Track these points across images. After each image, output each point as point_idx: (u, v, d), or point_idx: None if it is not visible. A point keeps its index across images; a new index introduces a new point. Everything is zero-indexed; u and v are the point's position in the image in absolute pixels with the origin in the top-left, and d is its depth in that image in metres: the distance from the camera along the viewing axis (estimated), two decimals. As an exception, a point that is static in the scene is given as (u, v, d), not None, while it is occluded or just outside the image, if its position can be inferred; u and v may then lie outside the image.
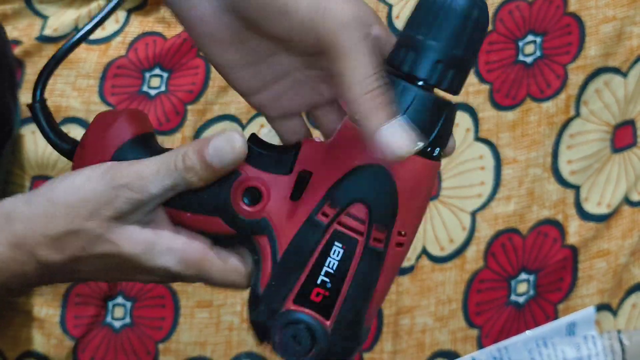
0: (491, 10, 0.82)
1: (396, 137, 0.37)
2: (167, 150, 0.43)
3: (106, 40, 0.83)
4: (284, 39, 0.41)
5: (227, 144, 0.41)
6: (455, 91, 0.41)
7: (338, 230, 0.40)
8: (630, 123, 0.77)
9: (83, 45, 0.85)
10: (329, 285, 0.41)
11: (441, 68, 0.39)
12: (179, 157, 0.41)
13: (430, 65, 0.39)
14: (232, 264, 0.43)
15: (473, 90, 0.80)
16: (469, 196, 0.78)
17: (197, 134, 0.79)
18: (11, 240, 0.42)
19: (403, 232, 0.41)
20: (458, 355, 0.75)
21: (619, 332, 0.68)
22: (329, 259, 0.41)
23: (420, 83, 0.40)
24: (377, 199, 0.40)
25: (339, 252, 0.40)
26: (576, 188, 0.77)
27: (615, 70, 0.78)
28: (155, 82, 0.82)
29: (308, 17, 0.39)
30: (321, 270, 0.41)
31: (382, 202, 0.40)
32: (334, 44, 0.38)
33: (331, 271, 0.40)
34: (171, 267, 0.42)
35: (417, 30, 0.40)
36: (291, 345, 0.41)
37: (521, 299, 0.75)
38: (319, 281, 0.41)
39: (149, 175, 0.41)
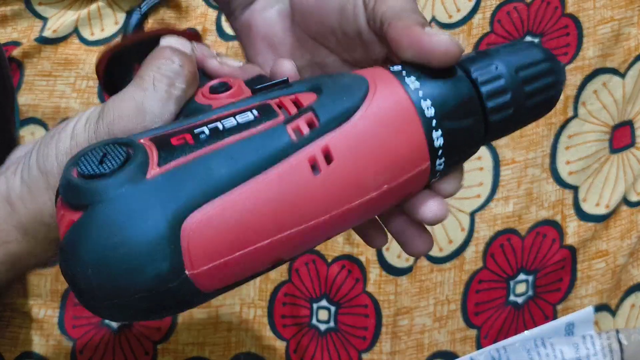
0: (489, 12, 0.82)
1: (445, 36, 0.36)
2: None
3: (105, 41, 0.83)
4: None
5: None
6: (485, 134, 0.38)
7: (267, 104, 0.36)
8: (629, 123, 0.77)
9: (82, 47, 0.85)
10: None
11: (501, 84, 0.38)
12: None
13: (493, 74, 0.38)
14: None
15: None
16: (468, 197, 0.78)
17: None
18: None
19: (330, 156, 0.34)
20: (457, 356, 0.75)
21: (617, 331, 0.68)
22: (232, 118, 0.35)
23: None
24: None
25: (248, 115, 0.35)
26: (574, 189, 0.77)
27: (613, 71, 0.78)
28: (154, 83, 0.82)
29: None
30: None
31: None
32: None
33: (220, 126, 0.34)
34: None
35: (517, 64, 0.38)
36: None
37: (520, 300, 0.75)
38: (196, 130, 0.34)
39: None
